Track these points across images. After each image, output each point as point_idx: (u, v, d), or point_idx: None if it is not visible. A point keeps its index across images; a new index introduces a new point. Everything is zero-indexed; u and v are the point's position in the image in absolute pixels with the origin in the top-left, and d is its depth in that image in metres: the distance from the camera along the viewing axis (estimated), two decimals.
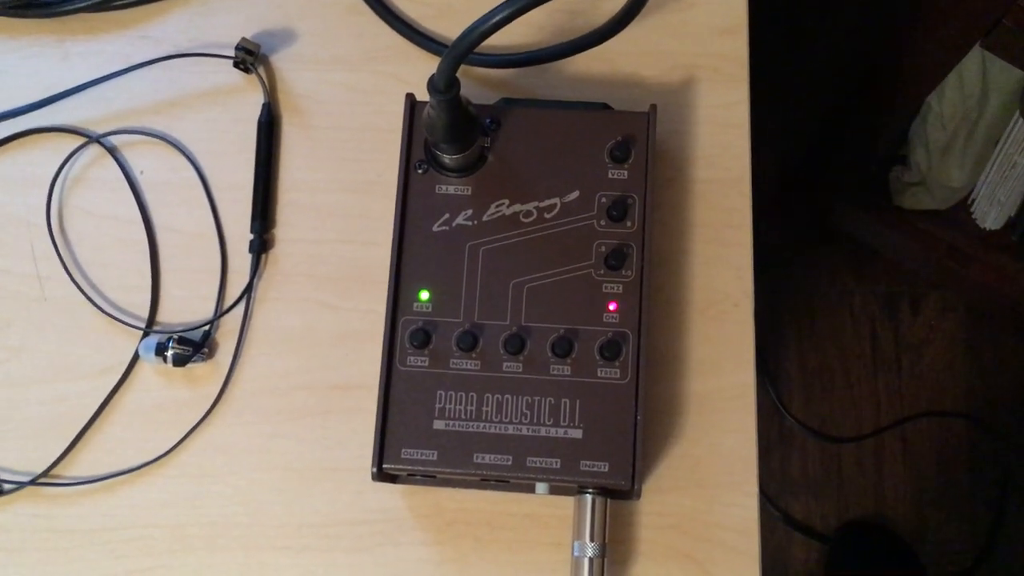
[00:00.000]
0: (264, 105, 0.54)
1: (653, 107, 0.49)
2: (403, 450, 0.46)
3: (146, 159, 0.55)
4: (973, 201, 1.20)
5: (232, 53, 0.54)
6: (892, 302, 1.36)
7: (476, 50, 0.53)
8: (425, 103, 0.46)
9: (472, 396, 0.47)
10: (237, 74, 0.55)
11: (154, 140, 0.55)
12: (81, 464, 0.51)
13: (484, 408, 0.47)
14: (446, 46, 0.54)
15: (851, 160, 1.25)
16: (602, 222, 0.48)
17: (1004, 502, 1.29)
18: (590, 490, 0.47)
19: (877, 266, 1.35)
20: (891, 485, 1.31)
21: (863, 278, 1.36)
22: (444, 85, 0.42)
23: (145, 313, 0.53)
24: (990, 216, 1.19)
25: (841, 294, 1.36)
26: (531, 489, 0.49)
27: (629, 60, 0.55)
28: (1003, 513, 1.29)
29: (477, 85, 0.55)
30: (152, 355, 0.51)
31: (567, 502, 0.49)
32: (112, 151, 0.55)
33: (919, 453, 1.32)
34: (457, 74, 0.52)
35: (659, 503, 0.50)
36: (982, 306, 1.33)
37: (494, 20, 0.39)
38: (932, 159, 1.16)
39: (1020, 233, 1.19)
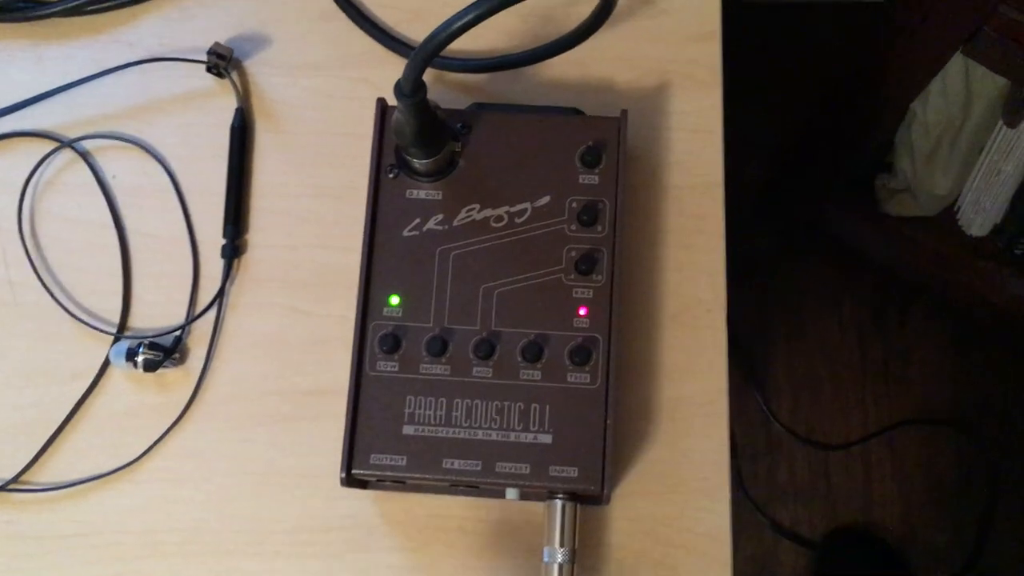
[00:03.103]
0: (237, 110, 0.54)
1: (624, 112, 0.49)
2: (372, 455, 0.46)
3: (119, 164, 0.55)
4: (959, 208, 1.20)
5: (205, 58, 0.54)
6: (880, 309, 1.36)
7: (449, 54, 0.54)
8: (395, 108, 0.46)
9: (442, 401, 0.47)
10: (210, 79, 0.55)
11: (127, 145, 0.55)
12: (51, 470, 0.51)
13: (454, 413, 0.46)
14: None
15: (837, 166, 1.25)
16: (573, 227, 0.48)
17: (991, 508, 1.29)
18: (560, 495, 0.46)
19: (865, 272, 1.35)
20: (879, 492, 1.31)
21: (851, 284, 1.36)
22: (410, 89, 0.42)
23: (116, 318, 0.52)
24: (976, 223, 1.19)
25: (829, 300, 1.36)
26: (501, 495, 0.48)
27: (602, 65, 0.55)
28: (990, 519, 1.29)
29: (451, 89, 0.55)
30: (123, 360, 0.51)
31: (539, 508, 0.49)
32: (85, 155, 0.55)
33: (907, 460, 1.32)
34: (431, 78, 0.53)
35: (631, 508, 0.49)
36: (969, 313, 1.33)
37: (458, 24, 0.39)
38: (917, 166, 1.16)
39: (1006, 240, 1.19)
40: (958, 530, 1.29)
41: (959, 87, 1.04)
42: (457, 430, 0.46)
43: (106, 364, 0.52)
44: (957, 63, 1.01)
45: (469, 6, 0.39)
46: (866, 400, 1.33)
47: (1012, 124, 1.03)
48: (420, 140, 0.46)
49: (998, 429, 1.32)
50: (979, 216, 1.18)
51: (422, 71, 0.42)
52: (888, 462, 1.32)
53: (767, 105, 1.33)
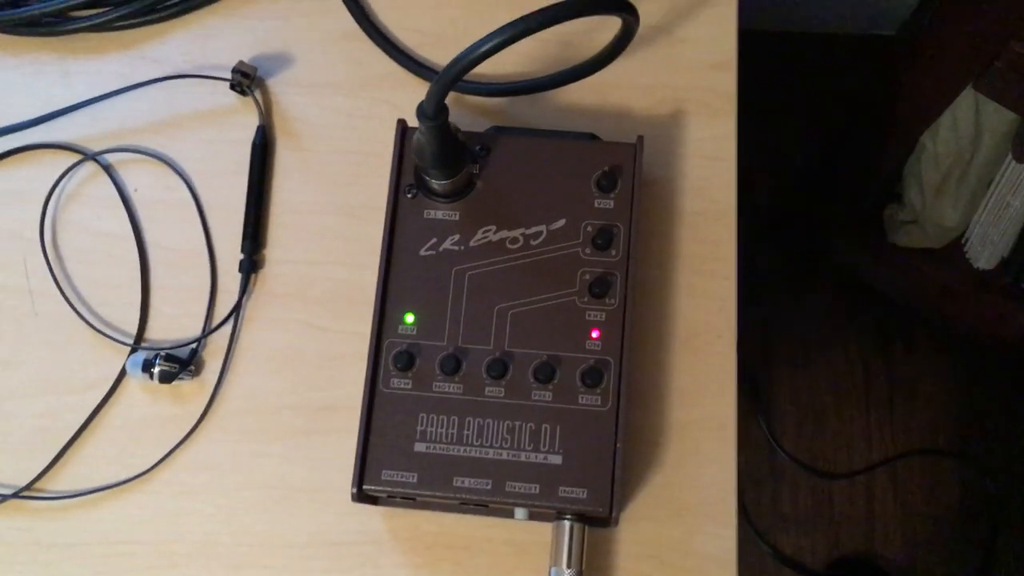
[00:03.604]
0: (259, 127, 0.55)
1: (640, 138, 0.50)
2: (383, 471, 0.46)
3: (141, 177, 0.56)
4: (967, 240, 1.20)
5: (229, 76, 0.55)
6: (886, 339, 1.36)
7: (470, 78, 0.54)
8: (416, 129, 0.46)
9: (454, 420, 0.47)
10: (234, 96, 0.56)
11: (149, 159, 0.56)
12: (66, 478, 0.52)
13: (465, 432, 0.47)
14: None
15: (847, 197, 1.26)
16: (587, 250, 0.49)
17: (994, 542, 1.28)
18: (568, 516, 0.47)
19: (872, 303, 1.35)
20: (881, 522, 1.31)
21: (858, 314, 1.37)
22: (433, 112, 0.43)
23: (134, 329, 0.53)
24: (983, 256, 1.19)
25: (835, 330, 1.37)
26: (510, 514, 0.49)
27: (620, 92, 0.55)
28: (993, 553, 1.28)
29: (470, 112, 0.55)
30: (139, 371, 0.51)
31: (547, 528, 0.49)
32: (107, 168, 0.56)
33: (910, 491, 1.31)
34: (451, 101, 0.53)
35: (638, 531, 0.50)
36: (975, 345, 1.33)
37: (482, 50, 0.40)
38: (926, 198, 1.16)
39: (1013, 274, 1.19)
40: (960, 562, 1.29)
41: (969, 121, 1.05)
42: (468, 448, 0.47)
43: (122, 374, 0.52)
44: (968, 97, 1.02)
45: (493, 33, 0.40)
46: (870, 430, 1.33)
47: (1021, 159, 1.03)
48: (440, 161, 0.47)
49: (1002, 461, 1.31)
50: (987, 249, 1.19)
51: (445, 94, 0.42)
52: (891, 492, 1.32)
53: (778, 134, 1.34)
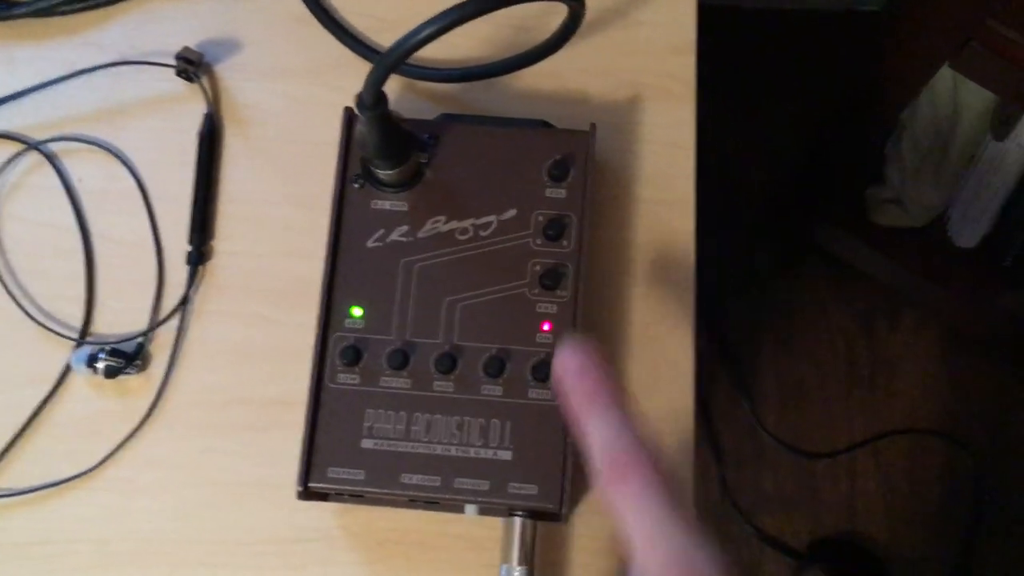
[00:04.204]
0: (206, 115, 0.54)
1: (593, 126, 0.49)
2: (330, 469, 0.46)
3: (86, 167, 0.54)
4: (948, 219, 1.20)
5: (174, 62, 0.53)
6: (868, 319, 1.35)
7: (419, 63, 0.53)
8: None
9: (402, 415, 0.46)
10: (180, 83, 0.55)
11: (94, 148, 0.54)
12: (9, 476, 0.50)
13: (413, 427, 0.46)
14: None
15: (829, 177, 1.25)
16: (538, 241, 0.48)
17: (976, 520, 1.28)
18: (519, 512, 0.46)
19: (854, 283, 1.34)
20: (864, 501, 1.31)
21: (840, 294, 1.36)
22: (371, 101, 0.42)
23: (79, 324, 0.52)
24: (964, 234, 1.19)
25: (818, 310, 1.36)
26: (461, 509, 0.48)
27: (576, 77, 0.54)
28: (975, 531, 1.28)
29: (421, 99, 0.54)
30: (84, 366, 0.50)
31: (501, 523, 0.48)
32: (51, 158, 0.54)
33: (892, 470, 1.31)
34: (401, 87, 0.52)
35: (592, 526, 0.49)
36: (957, 323, 1.33)
37: (419, 37, 0.39)
38: (907, 177, 1.15)
39: (994, 252, 1.19)
40: (943, 541, 1.29)
41: (948, 100, 1.04)
42: (416, 445, 0.46)
43: (67, 370, 0.51)
44: (946, 76, 1.00)
45: (430, 20, 0.39)
46: (853, 409, 1.33)
47: (1000, 137, 1.02)
48: (384, 151, 0.45)
49: (985, 440, 1.31)
50: (968, 228, 1.18)
51: (383, 82, 0.41)
52: (874, 472, 1.31)
53: (759, 115, 1.32)
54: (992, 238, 1.18)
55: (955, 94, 1.02)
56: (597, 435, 0.33)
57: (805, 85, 1.32)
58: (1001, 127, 1.01)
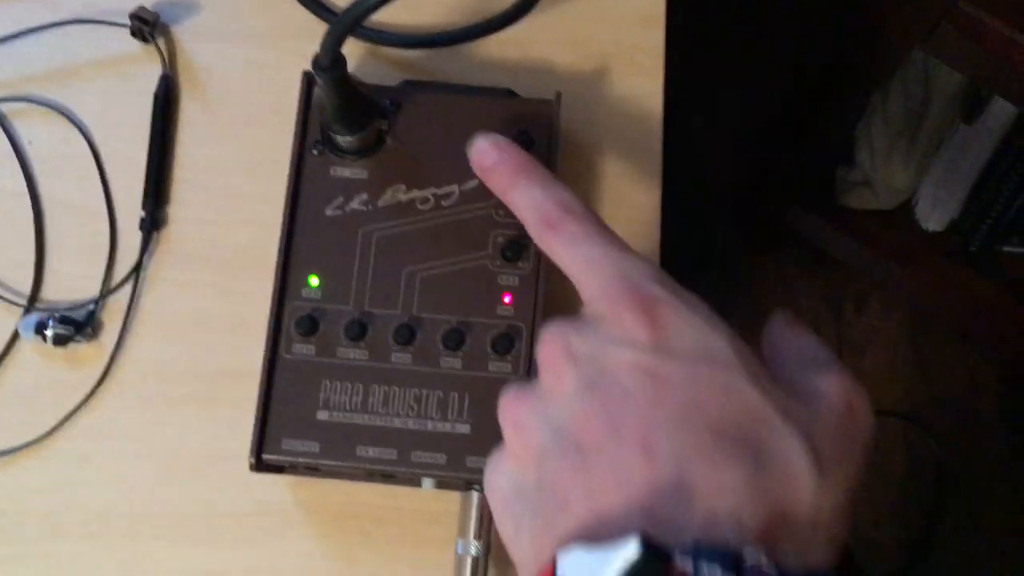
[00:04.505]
0: (162, 77, 0.52)
1: (558, 95, 0.48)
2: (284, 440, 0.45)
3: (36, 129, 0.53)
4: (916, 203, 1.20)
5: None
6: (836, 302, 1.36)
7: (383, 28, 0.52)
8: None
9: (358, 387, 0.45)
10: (135, 44, 0.53)
11: (45, 109, 0.53)
12: None
13: (370, 399, 0.45)
14: None
15: (798, 159, 1.24)
16: (500, 212, 0.47)
17: (939, 503, 1.29)
18: (477, 487, 0.45)
19: (822, 265, 1.34)
20: None
21: (808, 277, 1.36)
22: (328, 63, 0.41)
23: (28, 290, 0.50)
24: (932, 218, 1.19)
25: (786, 292, 1.36)
26: (418, 483, 0.47)
27: (542, 46, 0.53)
28: (938, 514, 1.29)
29: (384, 65, 0.53)
30: (32, 333, 0.49)
31: (459, 497, 0.47)
32: (0, 118, 0.52)
33: None
34: (364, 53, 0.51)
35: None
36: (924, 307, 1.33)
37: None
38: (876, 159, 1.15)
39: (962, 236, 1.19)
40: (905, 524, 1.30)
41: (919, 82, 1.04)
42: (373, 417, 0.45)
43: (15, 337, 0.50)
44: (917, 58, 1.00)
45: None
46: None
47: (969, 121, 1.03)
48: (343, 116, 0.44)
49: (948, 423, 1.32)
50: (936, 211, 1.18)
51: (340, 43, 0.40)
52: None
53: (730, 94, 1.32)
54: (959, 223, 1.19)
55: (926, 76, 1.02)
56: (525, 200, 0.36)
57: (776, 64, 1.32)
58: (970, 110, 1.01)
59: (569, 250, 0.34)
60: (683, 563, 0.25)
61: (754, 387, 0.29)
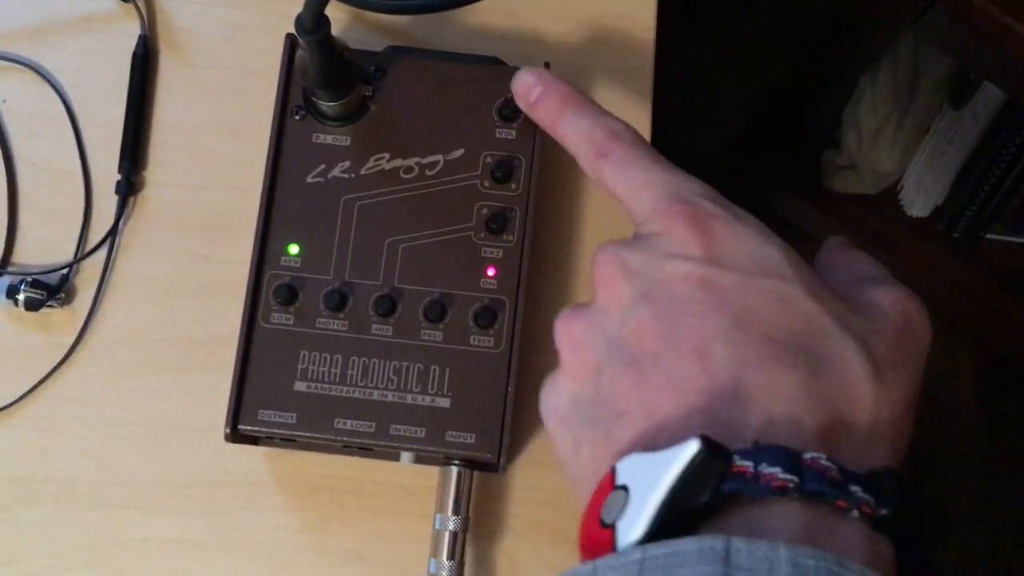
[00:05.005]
0: (140, 37, 0.51)
1: (546, 64, 0.47)
2: (260, 411, 0.44)
3: (10, 87, 0.51)
4: (901, 187, 1.20)
5: None
6: None
7: None
8: None
9: (337, 358, 0.44)
10: (114, 2, 0.52)
11: (20, 67, 0.51)
12: None
13: (349, 371, 0.44)
14: None
15: (785, 142, 1.24)
16: (486, 183, 0.46)
17: (921, 481, 1.30)
18: (456, 462, 0.45)
19: (807, 249, 1.33)
20: None
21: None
22: (312, 24, 0.40)
23: None
24: (917, 204, 1.19)
25: None
26: (396, 457, 0.46)
27: (532, 14, 0.52)
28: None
29: (370, 31, 0.52)
30: (3, 297, 0.48)
31: (436, 472, 0.47)
32: None
33: None
34: (350, 17, 0.50)
35: (531, 477, 0.48)
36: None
37: None
38: (863, 143, 1.15)
39: (946, 222, 1.19)
40: None
41: (908, 65, 1.04)
42: (352, 389, 0.44)
43: None
44: (908, 41, 1.00)
45: None
46: None
47: (958, 106, 1.02)
48: (326, 81, 0.43)
49: (925, 409, 1.32)
50: (921, 196, 1.18)
51: (324, 5, 0.39)
52: None
53: (716, 76, 1.31)
54: (944, 209, 1.19)
55: (916, 59, 1.02)
56: (573, 129, 0.36)
57: (765, 46, 1.31)
58: (960, 96, 1.01)
59: (621, 175, 0.34)
60: (743, 463, 0.25)
61: (808, 295, 0.29)
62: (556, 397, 0.33)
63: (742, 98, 1.25)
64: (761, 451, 0.25)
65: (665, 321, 0.29)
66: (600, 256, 0.33)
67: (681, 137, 1.28)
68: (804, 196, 1.24)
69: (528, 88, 0.39)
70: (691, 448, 0.25)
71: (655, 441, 0.28)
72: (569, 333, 0.33)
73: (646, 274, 0.31)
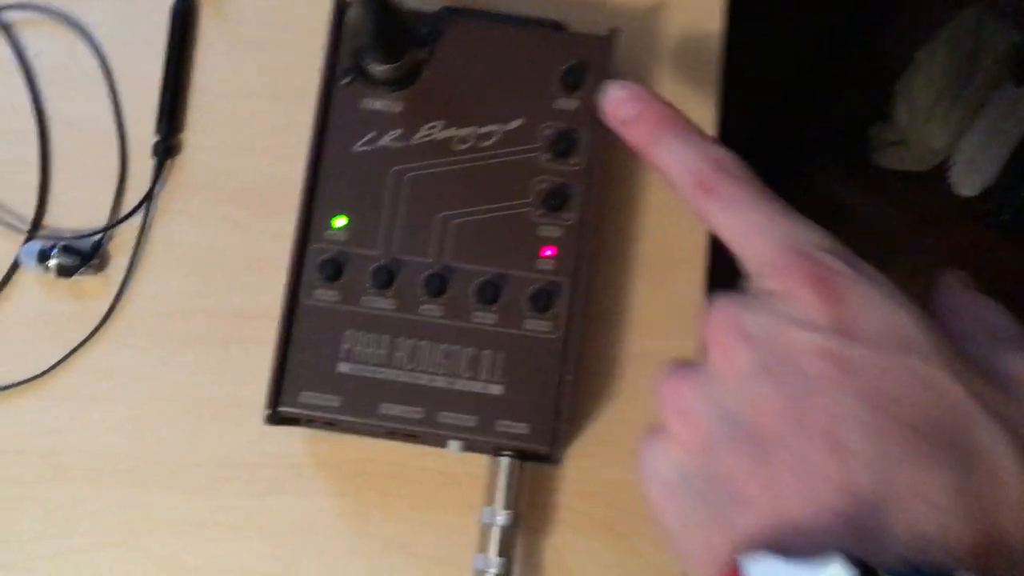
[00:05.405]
0: None
1: (614, 30, 0.44)
2: (302, 393, 0.42)
3: (44, 41, 0.49)
4: (952, 165, 1.16)
5: None
6: None
7: None
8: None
9: (384, 339, 0.42)
10: None
11: (55, 20, 0.49)
12: None
13: (396, 353, 0.42)
14: None
15: (831, 113, 1.20)
16: (545, 156, 0.43)
17: None
18: (507, 452, 0.42)
19: (847, 224, 1.30)
20: None
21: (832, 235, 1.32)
22: None
23: (30, 214, 0.47)
24: (967, 183, 1.15)
25: None
26: (442, 444, 0.44)
27: None
28: None
29: None
30: (34, 262, 0.46)
31: (485, 459, 0.44)
32: (6, 28, 0.48)
33: None
34: None
35: (583, 469, 0.45)
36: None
37: None
38: (915, 118, 1.11)
39: (995, 203, 1.16)
40: None
41: (969, 39, 0.99)
42: (398, 372, 0.42)
43: (15, 265, 0.46)
44: (970, 13, 0.95)
45: None
46: None
47: (1020, 82, 0.98)
48: (379, 43, 0.40)
49: None
50: (971, 176, 1.14)
51: None
52: None
53: (761, 50, 1.26)
54: (994, 189, 1.15)
55: (978, 33, 0.97)
56: (672, 158, 0.32)
57: (818, 14, 1.27)
58: (1022, 72, 0.97)
59: (728, 216, 0.30)
60: None
61: (952, 377, 0.26)
62: (661, 464, 0.30)
63: (784, 61, 1.21)
64: (913, 571, 0.23)
65: (791, 400, 0.26)
66: (714, 314, 0.29)
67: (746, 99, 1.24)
68: (848, 170, 1.20)
69: (619, 105, 0.34)
70: (835, 568, 0.23)
71: (786, 541, 0.25)
72: (677, 396, 0.29)
73: (768, 341, 0.27)
